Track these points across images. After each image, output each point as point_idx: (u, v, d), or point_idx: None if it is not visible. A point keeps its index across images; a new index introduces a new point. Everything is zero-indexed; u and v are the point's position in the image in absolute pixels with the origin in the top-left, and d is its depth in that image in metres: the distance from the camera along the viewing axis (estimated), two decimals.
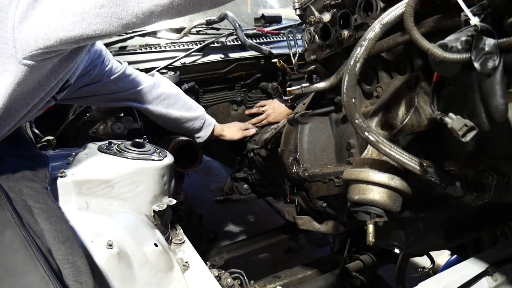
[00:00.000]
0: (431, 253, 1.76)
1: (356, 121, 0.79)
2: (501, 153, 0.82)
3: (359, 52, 0.76)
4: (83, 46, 1.08)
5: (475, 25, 0.64)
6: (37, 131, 1.57)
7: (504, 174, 0.83)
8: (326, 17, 1.11)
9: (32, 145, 1.22)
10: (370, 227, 0.86)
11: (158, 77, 1.79)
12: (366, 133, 0.79)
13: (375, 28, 0.76)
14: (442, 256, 2.19)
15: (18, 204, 0.89)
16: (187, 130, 1.88)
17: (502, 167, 0.82)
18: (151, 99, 1.71)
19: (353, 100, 0.79)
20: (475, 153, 0.86)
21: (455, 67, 0.65)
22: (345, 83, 0.78)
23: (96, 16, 0.86)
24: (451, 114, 0.65)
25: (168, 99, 1.74)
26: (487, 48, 0.60)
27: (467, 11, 0.66)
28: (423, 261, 1.89)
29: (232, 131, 2.06)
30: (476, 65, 0.61)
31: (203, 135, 1.93)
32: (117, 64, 1.60)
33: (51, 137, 1.57)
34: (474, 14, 0.66)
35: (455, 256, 1.84)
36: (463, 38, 0.63)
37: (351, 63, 0.77)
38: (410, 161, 0.79)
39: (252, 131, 2.11)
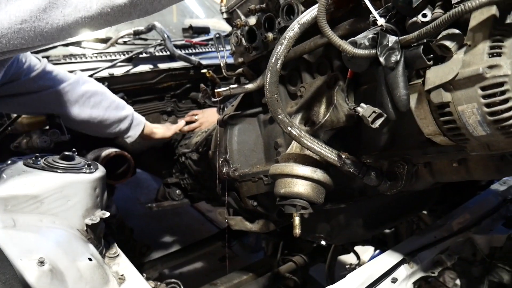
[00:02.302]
0: (357, 250, 1.86)
1: (279, 116, 0.83)
2: (410, 144, 0.90)
3: (279, 50, 0.81)
4: (4, 61, 1.05)
5: (381, 25, 0.72)
6: None
7: (413, 163, 0.92)
8: (252, 20, 1.16)
9: None
10: (297, 219, 0.90)
11: (81, 74, 1.68)
12: (289, 128, 0.83)
13: (294, 28, 0.81)
14: (366, 253, 2.31)
15: None
16: (114, 132, 1.77)
17: (412, 157, 0.91)
18: (75, 98, 1.58)
19: (276, 96, 0.83)
20: (388, 145, 0.94)
21: (364, 62, 0.72)
22: (268, 79, 0.82)
23: (17, 31, 0.84)
24: (362, 104, 0.71)
25: (94, 96, 1.62)
26: (390, 44, 0.68)
27: (374, 12, 0.73)
28: (350, 258, 1.99)
29: (163, 128, 1.99)
30: (381, 59, 0.68)
31: (132, 135, 1.82)
32: (35, 61, 1.48)
33: None
34: (380, 16, 0.74)
35: (378, 251, 1.95)
36: (370, 36, 0.70)
37: (273, 61, 0.81)
38: (330, 154, 0.85)
39: (182, 123, 2.08)
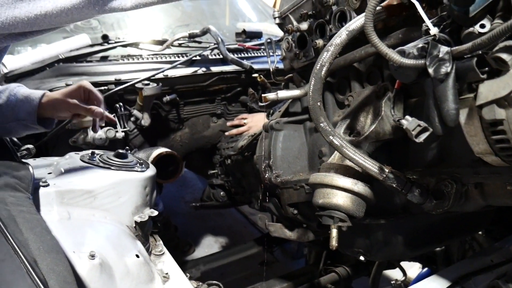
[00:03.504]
0: (403, 265, 1.78)
1: (321, 124, 0.81)
2: (460, 162, 0.84)
3: (325, 56, 0.79)
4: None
5: (434, 35, 0.68)
6: (15, 139, 1.56)
7: (463, 183, 0.85)
8: (304, 26, 1.15)
9: (13, 153, 1.20)
10: (334, 232, 0.87)
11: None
12: (331, 137, 0.81)
13: (342, 34, 0.79)
14: (412, 269, 2.21)
15: (3, 214, 0.87)
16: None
17: (461, 176, 0.85)
18: None
19: (319, 103, 0.81)
20: (437, 162, 0.89)
21: (412, 72, 0.68)
22: (311, 86, 0.80)
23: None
24: (407, 117, 0.68)
25: None
26: (441, 55, 0.64)
27: (427, 21, 0.69)
28: (395, 274, 1.91)
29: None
30: (430, 70, 0.64)
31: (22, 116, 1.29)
32: None
33: (30, 146, 1.56)
34: (434, 25, 0.70)
35: (426, 269, 1.87)
36: (420, 45, 0.67)
37: (318, 67, 0.79)
38: (372, 166, 0.81)
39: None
